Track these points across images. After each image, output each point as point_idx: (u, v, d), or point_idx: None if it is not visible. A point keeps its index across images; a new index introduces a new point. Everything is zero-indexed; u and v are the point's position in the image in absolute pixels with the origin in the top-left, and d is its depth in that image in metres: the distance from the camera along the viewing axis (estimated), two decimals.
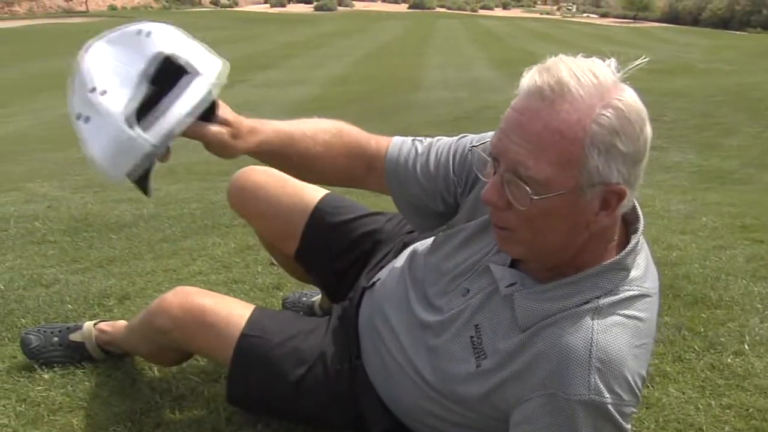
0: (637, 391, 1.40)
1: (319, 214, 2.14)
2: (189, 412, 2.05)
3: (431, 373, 1.62)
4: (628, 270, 1.44)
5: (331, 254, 2.14)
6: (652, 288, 1.49)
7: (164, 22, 1.53)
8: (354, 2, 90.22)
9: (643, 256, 1.49)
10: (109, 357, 2.29)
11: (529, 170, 1.29)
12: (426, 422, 1.70)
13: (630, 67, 1.33)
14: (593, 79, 1.28)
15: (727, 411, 2.10)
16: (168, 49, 1.44)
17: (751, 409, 2.10)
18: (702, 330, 2.56)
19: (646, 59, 1.37)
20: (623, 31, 46.06)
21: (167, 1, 72.75)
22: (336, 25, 46.67)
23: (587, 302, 1.41)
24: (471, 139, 1.69)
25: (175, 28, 1.53)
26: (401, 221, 2.16)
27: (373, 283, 1.94)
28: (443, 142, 1.73)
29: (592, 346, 1.36)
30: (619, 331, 1.38)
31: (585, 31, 42.97)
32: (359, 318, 1.89)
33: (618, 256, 1.43)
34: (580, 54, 1.35)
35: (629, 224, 1.49)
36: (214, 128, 1.52)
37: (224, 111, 1.55)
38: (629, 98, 1.30)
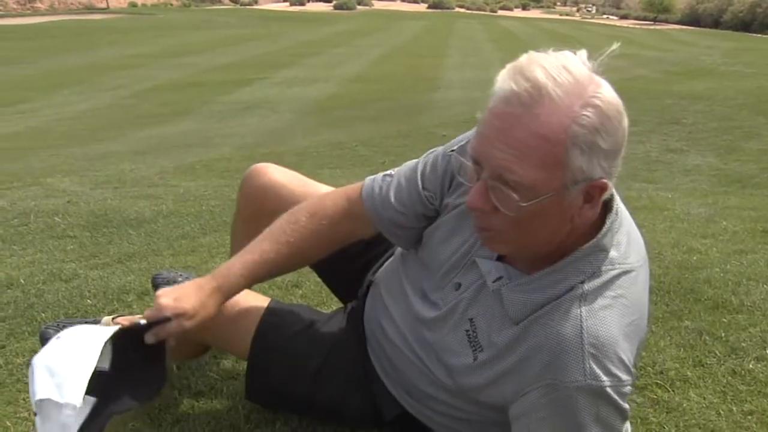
0: (632, 369, 1.41)
1: None
2: (208, 408, 2.05)
3: (437, 366, 1.64)
4: (607, 250, 1.45)
5: (350, 254, 2.13)
6: (636, 262, 1.49)
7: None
8: (373, 1, 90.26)
9: (624, 232, 1.49)
10: None
11: (514, 175, 1.29)
12: (434, 407, 1.72)
13: (602, 57, 1.33)
14: (569, 77, 1.28)
15: (749, 417, 2.08)
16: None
17: None
18: (723, 335, 2.54)
19: (618, 45, 1.37)
20: (643, 33, 45.79)
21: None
22: (355, 24, 46.65)
23: (572, 288, 1.43)
24: (441, 150, 1.71)
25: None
26: None
27: (372, 280, 1.97)
28: (411, 165, 1.76)
29: (582, 332, 1.37)
30: (606, 314, 1.40)
31: (604, 33, 42.70)
32: (365, 310, 1.90)
33: (595, 239, 1.44)
34: (551, 49, 1.34)
35: (605, 204, 1.48)
36: (172, 326, 1.64)
37: (175, 306, 1.64)
38: (606, 93, 1.31)
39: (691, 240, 3.75)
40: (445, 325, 1.62)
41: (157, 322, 1.62)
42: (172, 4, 69.10)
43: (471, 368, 1.55)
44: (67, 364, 1.55)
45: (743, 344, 2.48)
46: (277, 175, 2.14)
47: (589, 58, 1.33)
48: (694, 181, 6.51)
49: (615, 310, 1.41)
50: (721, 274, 3.15)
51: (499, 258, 1.57)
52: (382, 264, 2.04)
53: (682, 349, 2.43)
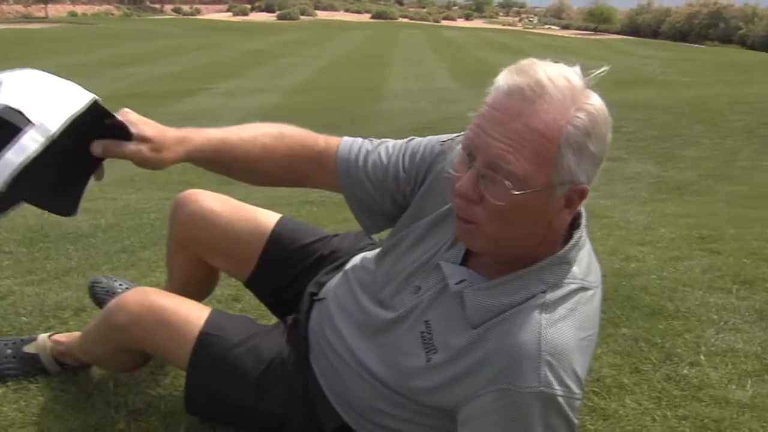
0: (583, 384, 1.43)
1: (276, 238, 2.12)
2: (145, 426, 2.02)
3: (384, 370, 1.64)
4: (571, 264, 1.48)
5: (288, 278, 2.12)
6: (595, 281, 1.53)
7: (27, 69, 1.53)
8: (317, 11, 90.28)
9: (586, 251, 1.53)
10: (63, 370, 2.25)
11: (509, 165, 1.32)
12: (377, 421, 1.71)
13: (595, 74, 1.39)
14: (566, 83, 1.35)
15: (683, 422, 2.12)
16: (10, 101, 1.43)
17: (706, 420, 2.12)
18: (659, 341, 2.59)
19: (607, 68, 1.43)
20: (584, 43, 46.53)
21: (128, 9, 72.23)
22: (299, 35, 46.61)
23: (533, 296, 1.45)
24: (425, 139, 1.73)
25: (38, 73, 1.53)
26: (356, 238, 2.17)
27: (316, 294, 1.96)
28: (393, 142, 1.76)
29: (541, 339, 1.39)
30: (565, 325, 1.42)
31: (545, 43, 43.32)
32: (309, 324, 1.90)
33: (562, 251, 1.47)
34: (548, 59, 1.40)
35: (573, 219, 1.51)
36: (132, 146, 1.53)
37: (143, 127, 1.55)
38: (597, 103, 1.37)
39: (628, 247, 3.81)
40: (400, 327, 1.63)
41: (115, 133, 1.51)
42: (113, 14, 68.37)
43: (422, 370, 1.55)
44: (46, 90, 1.48)
45: (678, 350, 2.53)
46: (208, 201, 2.11)
47: (582, 73, 1.39)
48: (633, 189, 6.61)
49: (573, 323, 1.43)
50: (658, 281, 3.21)
51: (463, 263, 1.58)
52: (322, 277, 2.04)
53: (618, 357, 2.47)
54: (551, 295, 1.44)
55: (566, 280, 1.46)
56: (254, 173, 1.75)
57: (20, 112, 1.41)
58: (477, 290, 1.51)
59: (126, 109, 1.56)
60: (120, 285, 2.62)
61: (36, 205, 1.53)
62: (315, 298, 1.96)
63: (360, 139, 1.78)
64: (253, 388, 1.82)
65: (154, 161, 1.56)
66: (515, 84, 1.34)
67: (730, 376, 2.38)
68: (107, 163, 1.56)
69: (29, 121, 1.42)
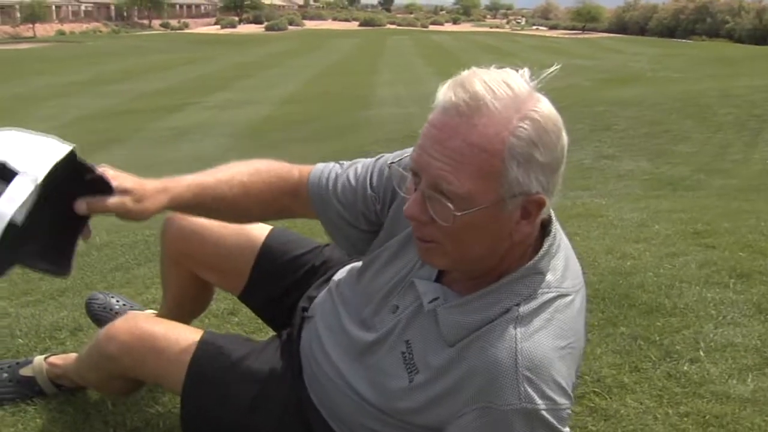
0: (570, 393, 1.40)
1: (267, 252, 2.11)
2: None
3: (371, 392, 1.61)
4: (543, 273, 1.44)
5: (281, 290, 2.11)
6: (573, 287, 1.48)
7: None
8: (305, 21, 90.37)
9: (561, 257, 1.49)
10: (61, 392, 2.24)
11: (450, 185, 1.29)
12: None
13: (543, 76, 1.33)
14: (508, 91, 1.28)
15: (685, 419, 2.11)
16: None
17: (708, 416, 2.12)
18: (658, 338, 2.58)
19: (557, 66, 1.38)
20: (572, 43, 46.66)
21: (116, 26, 72.28)
22: (287, 45, 46.66)
23: (507, 311, 1.41)
24: (389, 156, 1.70)
25: (12, 130, 1.53)
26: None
27: (307, 309, 1.94)
28: (362, 163, 1.74)
29: (517, 354, 1.35)
30: (541, 336, 1.38)
31: (534, 44, 43.43)
32: (300, 340, 1.88)
33: (532, 261, 1.43)
34: (494, 65, 1.34)
35: (544, 227, 1.48)
36: (114, 200, 1.52)
37: (123, 180, 1.55)
38: (545, 108, 1.31)
39: (624, 245, 3.81)
40: (381, 348, 1.60)
41: (97, 189, 1.51)
42: (101, 31, 68.35)
43: (406, 391, 1.52)
44: (25, 143, 1.48)
45: (677, 347, 2.52)
46: (196, 217, 2.11)
47: (532, 76, 1.33)
48: (627, 186, 6.63)
49: (550, 333, 1.39)
50: (655, 278, 3.20)
51: (438, 279, 1.56)
52: (314, 290, 2.03)
53: (618, 356, 2.46)
54: (525, 308, 1.41)
55: (540, 291, 1.42)
56: (236, 212, 1.74)
57: (3, 164, 1.41)
58: (450, 308, 1.48)
59: (104, 165, 1.56)
60: (117, 301, 2.61)
61: (30, 267, 1.56)
62: (305, 315, 1.95)
63: (331, 164, 1.77)
64: (247, 410, 1.80)
65: (136, 212, 1.56)
66: (450, 100, 1.29)
67: (731, 371, 2.38)
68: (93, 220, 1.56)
69: (14, 171, 1.42)
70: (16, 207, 1.40)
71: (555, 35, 64.93)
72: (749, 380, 2.31)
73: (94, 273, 3.59)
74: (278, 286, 2.09)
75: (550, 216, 1.47)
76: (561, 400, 1.36)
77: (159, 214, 1.62)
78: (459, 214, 1.30)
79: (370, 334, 1.63)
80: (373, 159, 1.73)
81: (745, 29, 53.76)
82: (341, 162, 1.77)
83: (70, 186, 1.48)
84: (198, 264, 2.13)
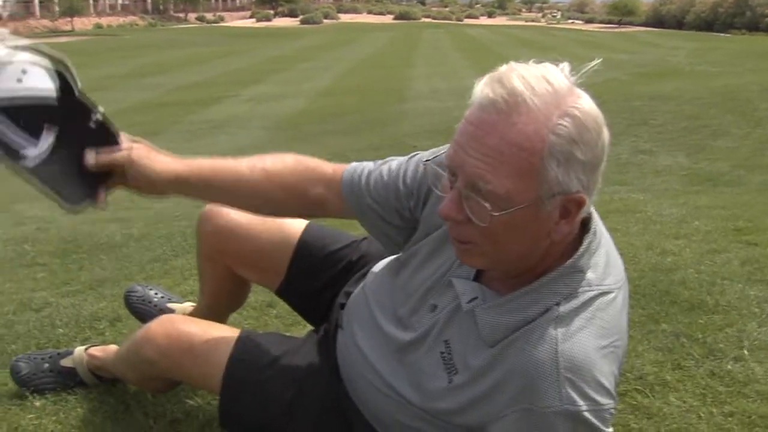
0: (613, 392, 1.37)
1: (304, 247, 2.10)
2: None
3: (410, 391, 1.59)
4: (584, 271, 1.41)
5: (319, 286, 2.10)
6: (615, 283, 1.45)
7: None
8: (340, 14, 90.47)
9: (602, 253, 1.46)
10: (101, 382, 2.26)
11: (488, 184, 1.26)
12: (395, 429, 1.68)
13: (583, 71, 1.30)
14: (548, 87, 1.25)
15: (730, 419, 2.08)
16: None
17: (753, 416, 2.08)
18: (700, 336, 2.54)
19: (599, 61, 1.33)
20: (608, 36, 46.26)
21: (153, 19, 72.86)
22: (322, 38, 46.68)
23: (547, 310, 1.38)
24: (424, 154, 1.67)
25: None
26: None
27: (344, 304, 1.93)
28: (396, 160, 1.72)
29: (557, 356, 1.33)
30: (583, 336, 1.35)
31: (570, 37, 43.11)
32: (337, 343, 1.86)
33: (572, 259, 1.40)
34: (532, 60, 1.31)
35: (584, 224, 1.45)
36: (122, 152, 1.55)
37: (134, 140, 1.59)
38: (585, 105, 1.27)
39: (664, 241, 3.76)
40: (420, 348, 1.58)
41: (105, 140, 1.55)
42: (137, 25, 68.92)
43: (446, 391, 1.51)
44: None
45: (720, 345, 2.48)
46: (233, 213, 2.08)
47: (572, 71, 1.30)
48: (665, 182, 6.54)
49: (591, 332, 1.37)
50: (696, 275, 3.16)
51: (476, 279, 1.53)
52: (351, 285, 2.02)
53: (660, 353, 2.43)
54: (565, 307, 1.38)
55: (581, 289, 1.39)
56: (258, 197, 1.72)
57: None
58: (489, 308, 1.45)
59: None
60: (155, 294, 2.62)
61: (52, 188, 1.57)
62: (343, 303, 1.93)
63: (364, 162, 1.75)
64: (286, 410, 1.79)
65: (146, 166, 1.57)
66: (487, 97, 1.25)
67: None
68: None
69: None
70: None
71: (591, 29, 64.40)
72: None
73: (132, 264, 3.62)
74: (315, 281, 2.08)
75: (590, 213, 1.44)
76: (603, 400, 1.33)
77: (173, 188, 1.62)
78: (496, 214, 1.27)
79: (408, 333, 1.62)
80: (407, 156, 1.71)
81: None
82: (375, 161, 1.75)
83: (79, 130, 1.51)
84: (235, 261, 2.12)
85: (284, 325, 2.71)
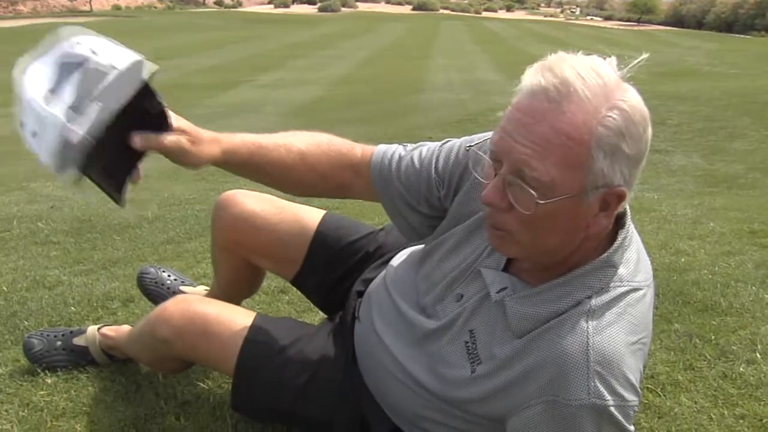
0: (639, 389, 1.37)
1: (321, 238, 2.09)
2: (194, 418, 2.02)
3: (428, 378, 1.59)
4: (616, 267, 1.40)
5: (335, 277, 2.10)
6: (644, 281, 1.45)
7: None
8: (358, 3, 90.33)
9: (634, 249, 1.46)
10: (112, 361, 2.27)
11: (534, 171, 1.25)
12: (425, 428, 1.67)
13: (632, 65, 1.30)
14: (598, 79, 1.25)
15: (741, 421, 2.07)
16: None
17: (764, 420, 2.07)
18: (713, 338, 2.53)
19: (646, 56, 1.34)
20: (627, 34, 46.07)
21: (171, 2, 72.92)
22: (340, 26, 46.66)
23: (579, 303, 1.38)
24: (459, 141, 1.67)
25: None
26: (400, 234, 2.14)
27: (362, 292, 1.93)
28: (427, 146, 1.71)
29: (588, 349, 1.33)
30: (614, 331, 1.35)
31: (589, 34, 42.97)
32: (355, 326, 1.86)
33: (606, 254, 1.39)
34: (581, 52, 1.31)
35: (618, 219, 1.44)
36: (171, 137, 1.51)
37: (179, 122, 1.54)
38: (633, 99, 1.27)
39: (678, 242, 3.75)
40: (444, 336, 1.58)
41: (154, 125, 1.50)
42: (155, 7, 69.00)
43: (468, 381, 1.50)
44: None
45: (733, 347, 2.47)
46: (250, 203, 2.08)
47: (620, 64, 1.30)
48: (680, 182, 6.51)
49: (622, 328, 1.36)
50: (710, 276, 3.15)
51: (505, 269, 1.53)
52: (369, 272, 2.02)
53: (672, 353, 2.42)
54: (597, 301, 1.38)
55: (612, 284, 1.39)
56: (290, 179, 1.71)
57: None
58: (519, 299, 1.45)
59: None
60: (168, 276, 2.62)
61: (97, 183, 1.52)
62: (360, 299, 1.93)
63: (395, 146, 1.74)
64: (299, 396, 1.79)
65: (192, 154, 1.54)
66: (539, 84, 1.25)
67: None
68: (147, 159, 1.55)
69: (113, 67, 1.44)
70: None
71: (610, 26, 64.12)
72: None
73: (146, 245, 3.63)
74: (332, 272, 2.08)
75: (625, 209, 1.44)
76: (630, 396, 1.33)
77: (211, 166, 1.61)
78: (542, 202, 1.26)
79: (432, 321, 1.61)
80: (439, 143, 1.70)
81: None
82: (405, 144, 1.74)
83: (133, 113, 1.45)
84: (250, 251, 2.12)
85: (296, 311, 2.71)
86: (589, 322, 1.35)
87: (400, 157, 1.70)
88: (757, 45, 39.75)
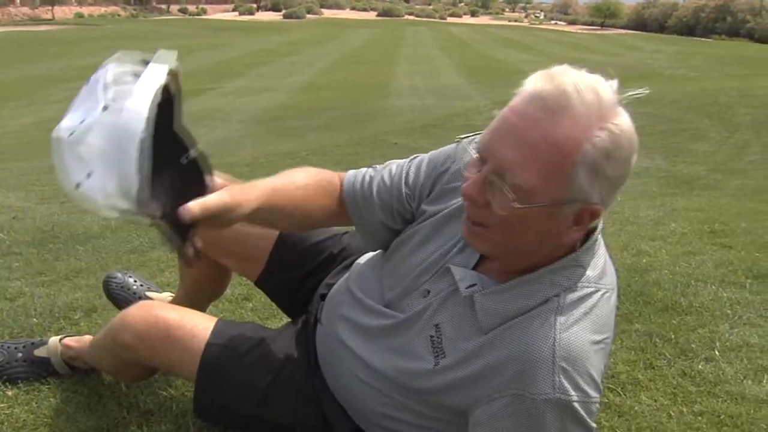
0: (600, 386, 1.40)
1: (285, 238, 2.10)
2: (157, 428, 2.01)
3: (394, 373, 1.60)
4: (584, 267, 1.44)
5: (299, 277, 2.11)
6: (610, 284, 1.48)
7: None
8: (323, 10, 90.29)
9: (601, 253, 1.49)
10: (75, 372, 2.25)
11: (516, 177, 1.28)
12: (384, 425, 1.68)
13: (630, 93, 1.33)
14: (595, 98, 1.28)
15: (699, 418, 2.10)
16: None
17: (722, 416, 2.10)
18: (673, 336, 2.57)
19: (646, 91, 1.38)
20: (591, 39, 46.48)
21: (135, 10, 72.41)
22: (305, 33, 46.64)
23: (547, 301, 1.41)
24: (428, 155, 1.71)
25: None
26: None
27: (326, 295, 1.94)
28: (396, 163, 1.75)
29: (555, 344, 1.35)
30: (580, 328, 1.38)
31: (552, 38, 43.29)
32: (317, 327, 1.87)
33: (575, 253, 1.42)
34: (585, 69, 1.33)
35: (588, 231, 1.48)
36: (215, 197, 1.46)
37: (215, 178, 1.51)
38: (625, 124, 1.30)
39: (640, 242, 3.79)
40: (409, 331, 1.59)
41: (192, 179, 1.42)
42: (119, 15, 68.45)
43: (429, 373, 1.52)
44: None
45: (692, 345, 2.51)
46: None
47: (619, 88, 1.33)
48: (643, 184, 6.58)
49: (588, 326, 1.39)
50: (670, 276, 3.19)
51: (474, 267, 1.55)
52: (333, 277, 2.02)
53: (632, 352, 2.45)
54: (565, 299, 1.41)
55: (580, 284, 1.42)
56: (301, 216, 1.71)
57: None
58: (488, 294, 1.48)
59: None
60: (135, 281, 2.61)
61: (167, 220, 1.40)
62: (324, 293, 1.94)
63: (364, 169, 1.77)
64: (261, 398, 1.80)
65: (236, 210, 1.50)
66: (539, 91, 1.28)
67: (746, 372, 2.36)
68: None
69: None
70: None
71: (574, 30, 64.64)
72: (765, 381, 2.30)
73: (109, 255, 3.60)
74: (296, 272, 2.09)
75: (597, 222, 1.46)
76: (593, 393, 1.36)
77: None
78: (518, 206, 1.29)
79: (397, 315, 1.63)
80: (408, 159, 1.74)
81: (765, 29, 53.47)
82: (374, 166, 1.77)
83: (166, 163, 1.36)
84: (215, 249, 2.11)
85: (260, 318, 2.71)
86: (557, 318, 1.38)
87: (371, 178, 1.73)
88: (718, 48, 40.29)
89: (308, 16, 77.40)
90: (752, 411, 2.13)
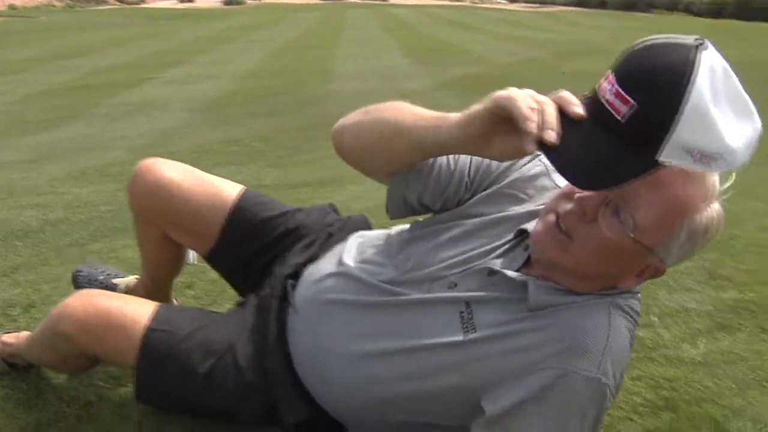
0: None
1: (239, 212, 2.08)
2: (98, 419, 2.00)
3: (407, 328, 1.60)
4: (635, 298, 1.57)
5: (251, 252, 2.09)
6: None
7: None
8: None
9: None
10: (13, 369, 2.22)
11: (637, 211, 1.36)
12: (378, 416, 1.69)
13: (724, 187, 1.41)
14: (714, 182, 1.39)
15: (638, 382, 2.15)
16: None
17: (660, 379, 2.15)
18: None
19: (732, 182, 1.43)
20: (533, 16, 46.64)
21: (70, 0, 71.03)
22: (247, 19, 46.08)
23: (601, 297, 1.49)
24: None
25: None
26: (321, 214, 2.14)
27: (293, 276, 1.91)
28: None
29: (610, 332, 1.43)
30: (626, 326, 1.48)
31: (494, 17, 43.30)
32: (291, 318, 1.84)
33: (631, 284, 1.51)
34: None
35: None
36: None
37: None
38: (721, 211, 1.42)
39: None
40: (428, 306, 1.60)
41: None
42: (54, 6, 67.06)
43: (456, 345, 1.53)
44: None
45: None
46: (167, 171, 2.06)
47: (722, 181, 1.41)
48: None
49: (630, 327, 1.51)
50: None
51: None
52: (296, 258, 2.00)
53: None
54: (621, 301, 1.50)
55: (631, 302, 1.54)
56: (400, 159, 1.68)
57: None
58: (541, 286, 1.51)
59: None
60: (102, 272, 2.59)
61: None
62: (291, 282, 1.91)
63: None
64: (203, 382, 1.78)
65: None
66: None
67: (683, 336, 2.42)
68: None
69: None
70: None
71: (515, 8, 64.89)
72: (701, 344, 2.36)
73: (49, 249, 3.56)
74: (248, 247, 2.07)
75: None
76: (616, 388, 1.45)
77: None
78: (631, 236, 1.36)
79: (414, 293, 1.63)
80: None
81: (703, 3, 54.33)
82: None
83: None
84: (166, 221, 2.08)
85: (201, 305, 2.70)
86: (613, 311, 1.47)
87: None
88: (659, 23, 40.77)
89: (249, 1, 76.65)
90: (689, 373, 2.19)
